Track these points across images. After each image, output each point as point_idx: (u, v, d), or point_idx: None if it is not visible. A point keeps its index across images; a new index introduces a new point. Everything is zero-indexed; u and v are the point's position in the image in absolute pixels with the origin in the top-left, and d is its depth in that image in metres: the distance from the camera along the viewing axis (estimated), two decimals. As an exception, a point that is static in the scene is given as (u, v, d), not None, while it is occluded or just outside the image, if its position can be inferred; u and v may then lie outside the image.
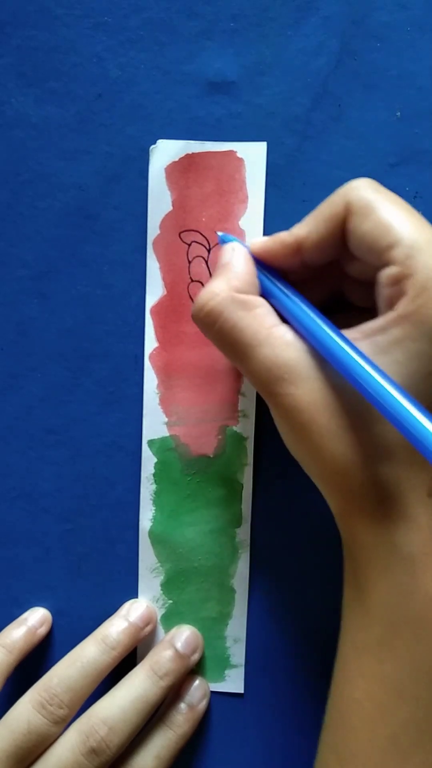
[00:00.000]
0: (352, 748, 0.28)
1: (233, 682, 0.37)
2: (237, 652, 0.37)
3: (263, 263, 0.31)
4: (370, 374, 0.26)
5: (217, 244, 0.35)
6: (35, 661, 0.37)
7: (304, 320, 0.28)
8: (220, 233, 0.33)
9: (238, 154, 0.34)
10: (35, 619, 0.37)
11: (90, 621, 0.36)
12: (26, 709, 0.33)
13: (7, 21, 0.35)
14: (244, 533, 0.36)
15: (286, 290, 0.30)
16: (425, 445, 0.24)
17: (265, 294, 0.30)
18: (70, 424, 0.37)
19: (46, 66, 0.35)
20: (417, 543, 0.27)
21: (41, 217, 0.36)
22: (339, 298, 0.33)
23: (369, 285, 0.29)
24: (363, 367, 0.26)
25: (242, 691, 0.37)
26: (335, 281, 0.32)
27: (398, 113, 0.34)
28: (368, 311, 0.29)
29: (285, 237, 0.30)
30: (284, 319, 0.30)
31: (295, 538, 0.36)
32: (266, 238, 0.31)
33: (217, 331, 0.29)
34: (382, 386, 0.26)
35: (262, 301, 0.30)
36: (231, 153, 0.35)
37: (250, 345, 0.29)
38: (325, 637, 0.36)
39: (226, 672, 0.37)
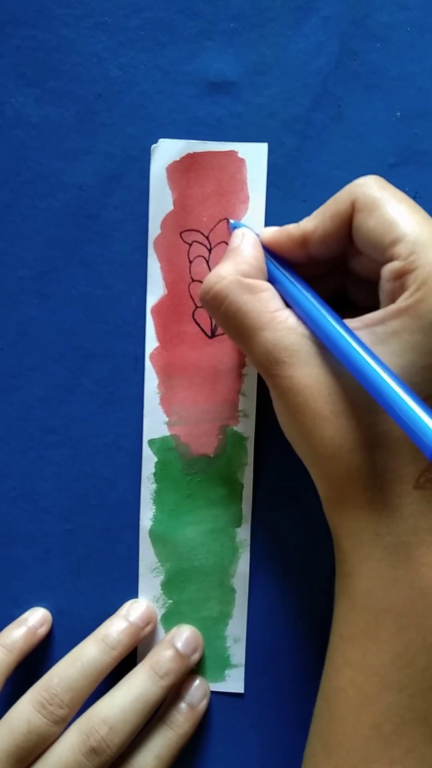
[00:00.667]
0: (338, 736, 0.28)
1: (233, 682, 0.37)
2: (237, 652, 0.37)
3: (272, 252, 0.32)
4: (367, 362, 0.26)
5: (220, 243, 0.35)
6: (35, 661, 0.37)
7: (306, 306, 0.29)
8: (231, 220, 0.34)
9: (240, 155, 0.35)
10: (35, 619, 0.37)
11: (90, 621, 0.36)
12: (26, 709, 0.33)
13: (7, 21, 0.35)
14: (244, 533, 0.36)
15: (291, 277, 0.31)
16: (419, 435, 0.24)
17: (271, 280, 0.31)
18: (70, 424, 0.37)
19: (46, 66, 0.35)
20: (399, 533, 0.28)
21: (41, 217, 0.36)
22: (343, 297, 0.33)
23: (372, 284, 0.30)
24: (361, 355, 0.26)
25: (242, 691, 0.37)
26: (339, 280, 0.33)
27: (398, 113, 0.35)
28: (371, 311, 0.30)
29: (292, 229, 0.31)
30: (289, 305, 0.30)
31: (295, 538, 0.36)
32: (276, 228, 0.32)
33: (223, 313, 0.30)
34: (379, 374, 0.26)
35: (267, 285, 0.30)
36: (232, 153, 0.35)
37: (253, 327, 0.29)
38: (325, 636, 0.36)
39: (226, 672, 0.37)
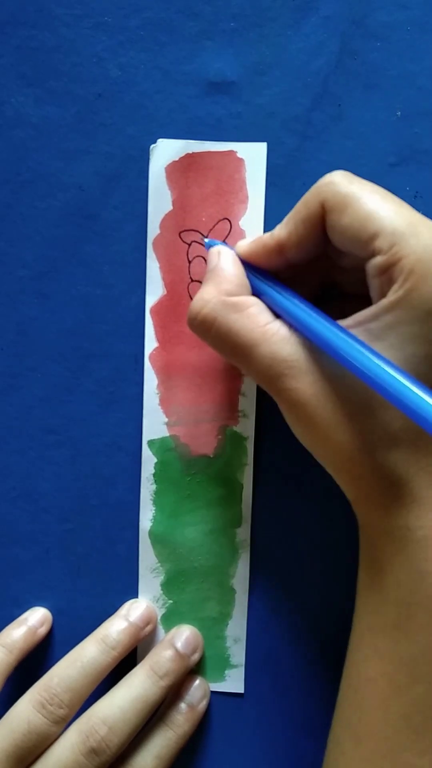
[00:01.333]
0: (366, 725, 0.28)
1: (233, 682, 0.37)
2: (237, 652, 0.37)
3: (251, 265, 0.32)
4: (369, 359, 0.26)
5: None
6: (35, 661, 0.37)
7: (297, 315, 0.29)
8: (206, 239, 0.34)
9: (239, 155, 0.34)
10: (35, 619, 0.37)
11: (90, 621, 0.36)
12: (26, 709, 0.33)
13: (7, 21, 0.35)
14: (244, 533, 0.36)
15: (276, 287, 0.30)
16: (431, 424, 0.24)
17: (257, 293, 0.31)
18: (70, 424, 0.37)
19: (46, 66, 0.35)
20: (430, 525, 0.28)
21: (41, 217, 0.36)
22: (332, 286, 0.33)
23: (361, 272, 0.29)
24: (361, 353, 0.26)
25: (242, 691, 0.37)
26: (326, 272, 0.33)
27: (398, 113, 0.34)
28: (363, 297, 0.29)
29: (267, 239, 0.31)
30: (278, 315, 0.30)
31: (295, 538, 0.36)
32: (250, 240, 0.32)
33: (214, 336, 0.30)
34: (383, 369, 0.26)
35: (254, 300, 0.30)
36: (231, 153, 0.35)
37: (247, 345, 0.29)
38: (326, 636, 0.36)
39: (226, 672, 0.37)
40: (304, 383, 0.28)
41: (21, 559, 0.38)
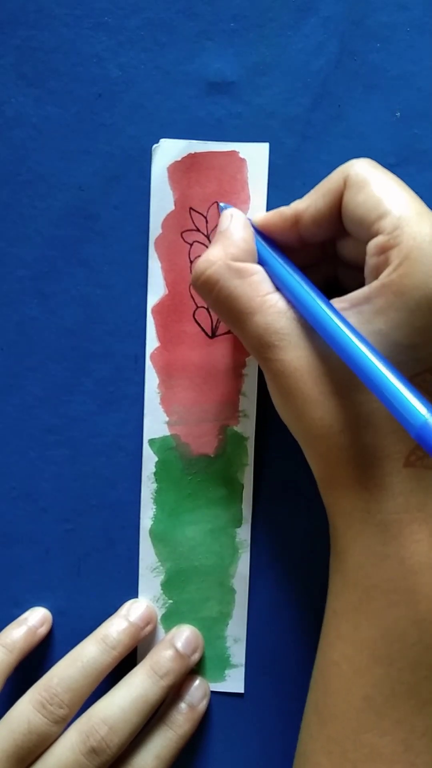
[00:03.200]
0: (331, 708, 0.29)
1: (233, 682, 0.37)
2: (237, 652, 0.37)
3: (263, 234, 0.32)
4: (353, 342, 0.26)
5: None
6: (35, 661, 0.37)
7: (294, 289, 0.29)
8: (221, 203, 0.34)
9: (241, 155, 0.35)
10: (35, 619, 0.37)
11: (90, 621, 0.36)
12: (26, 709, 0.33)
13: (7, 21, 0.35)
14: (244, 533, 0.36)
15: (280, 259, 0.31)
16: (404, 415, 0.25)
17: (261, 261, 0.31)
18: (70, 424, 0.37)
19: (46, 66, 0.35)
20: (390, 511, 0.28)
21: (41, 217, 0.36)
22: (335, 285, 0.34)
23: (361, 269, 0.30)
24: (346, 336, 0.26)
25: (242, 691, 0.37)
26: (330, 268, 0.33)
27: (398, 113, 0.35)
28: None
29: (284, 210, 0.31)
30: (278, 288, 0.30)
31: (295, 538, 0.36)
32: (268, 212, 0.32)
33: (214, 298, 0.30)
34: (365, 355, 0.26)
35: (257, 268, 0.30)
36: (233, 153, 0.35)
37: (244, 312, 0.30)
38: (325, 636, 0.36)
39: (227, 672, 0.37)
40: (291, 356, 0.29)
41: (21, 559, 0.37)
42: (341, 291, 0.33)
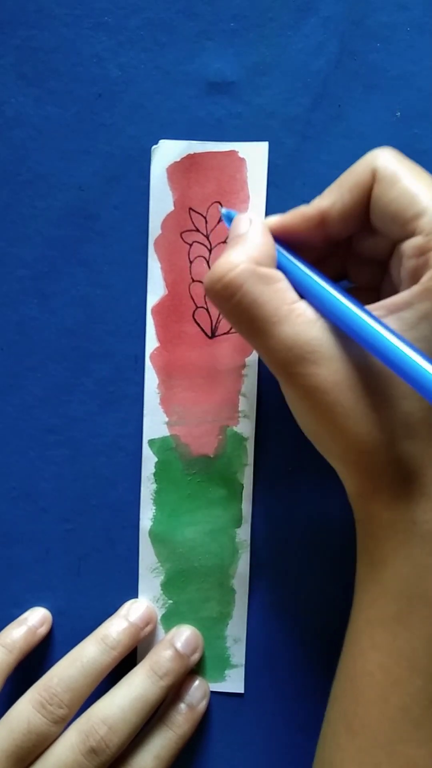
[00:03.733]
0: (362, 718, 0.28)
1: (233, 682, 0.37)
2: (237, 652, 0.37)
3: (277, 239, 0.30)
4: (402, 350, 0.25)
5: (220, 243, 0.35)
6: (35, 661, 0.37)
7: (327, 297, 0.27)
8: (223, 209, 0.32)
9: (240, 155, 0.34)
10: (35, 619, 0.37)
11: (90, 621, 0.36)
12: (26, 709, 0.33)
13: (7, 21, 0.35)
14: (244, 533, 0.36)
15: (304, 266, 0.29)
16: None
17: (280, 269, 0.29)
18: (70, 424, 0.37)
19: (46, 66, 0.35)
20: None
21: (41, 217, 0.36)
22: (342, 278, 0.33)
23: (375, 264, 0.29)
24: (394, 344, 0.25)
25: (242, 691, 0.37)
26: (339, 262, 0.32)
27: (398, 113, 0.35)
28: (373, 290, 0.29)
29: (306, 210, 0.29)
30: (302, 296, 0.29)
31: (295, 538, 0.36)
32: (282, 214, 0.30)
33: (235, 304, 0.28)
34: (414, 360, 0.25)
35: (281, 275, 0.28)
36: (233, 153, 0.35)
37: (269, 322, 0.27)
38: (326, 636, 0.36)
39: (226, 672, 0.37)
40: (327, 370, 0.27)
41: (21, 559, 0.37)
42: (350, 285, 0.33)
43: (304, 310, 0.28)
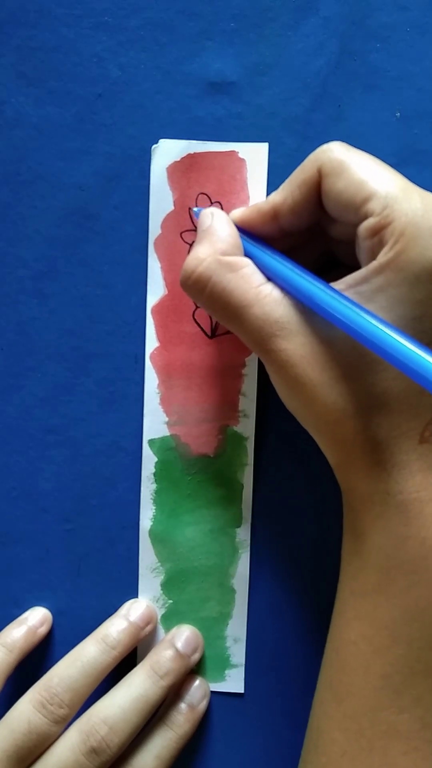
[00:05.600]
0: (347, 686, 0.29)
1: (233, 682, 0.37)
2: (237, 652, 0.37)
3: (243, 229, 0.32)
4: (362, 317, 0.26)
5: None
6: (35, 661, 0.37)
7: (289, 276, 0.29)
8: (194, 208, 0.34)
9: (240, 155, 0.35)
10: (35, 619, 0.37)
11: (90, 621, 0.36)
12: (27, 709, 0.33)
13: (7, 21, 0.35)
14: (244, 533, 0.36)
15: (267, 250, 0.31)
16: (425, 376, 0.25)
17: (248, 256, 0.31)
18: (70, 424, 0.37)
19: (46, 66, 0.35)
20: (409, 490, 0.28)
21: (41, 217, 0.36)
22: (331, 257, 0.34)
23: (353, 243, 0.30)
24: (354, 311, 0.26)
25: (242, 691, 0.37)
26: (323, 243, 0.33)
27: (398, 113, 0.35)
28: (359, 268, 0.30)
29: (261, 205, 0.31)
30: (270, 279, 0.30)
31: (295, 538, 0.36)
32: (244, 208, 0.32)
33: (208, 296, 0.30)
34: (376, 326, 0.26)
35: (247, 261, 0.30)
36: (233, 153, 0.35)
37: (240, 306, 0.29)
38: (326, 636, 0.36)
39: (227, 672, 0.37)
40: (294, 344, 0.28)
41: (21, 559, 0.37)
42: (339, 265, 0.33)
43: (270, 291, 0.29)
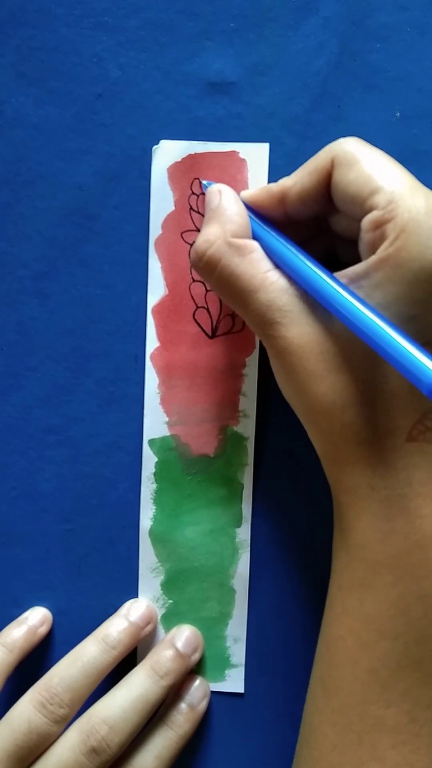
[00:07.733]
0: (336, 680, 0.30)
1: (233, 682, 0.37)
2: (237, 652, 0.37)
3: (252, 209, 0.32)
4: (361, 310, 0.26)
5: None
6: (35, 661, 0.37)
7: (296, 264, 0.29)
8: (204, 181, 0.34)
9: (241, 155, 0.35)
10: (36, 619, 0.37)
11: (90, 621, 0.36)
12: (27, 709, 0.33)
13: (7, 21, 0.35)
14: (244, 533, 0.36)
15: (275, 234, 0.31)
16: (416, 374, 0.25)
17: (255, 237, 0.31)
18: (70, 424, 0.37)
19: (46, 66, 0.35)
20: (394, 486, 0.28)
21: (41, 217, 0.36)
22: (334, 257, 0.34)
23: (356, 243, 0.30)
24: (354, 305, 0.27)
25: (242, 691, 0.37)
26: (327, 242, 0.33)
27: (398, 114, 0.35)
28: None
29: (271, 186, 0.32)
30: (276, 264, 0.30)
31: (295, 538, 0.36)
32: (256, 188, 0.33)
33: (217, 278, 0.30)
34: (371, 319, 0.26)
35: (255, 245, 0.30)
36: (233, 154, 0.35)
37: (246, 291, 0.30)
38: (325, 636, 0.36)
39: (227, 672, 0.37)
40: (293, 333, 0.29)
41: (21, 559, 0.37)
42: (340, 264, 0.33)
43: (277, 278, 0.30)
